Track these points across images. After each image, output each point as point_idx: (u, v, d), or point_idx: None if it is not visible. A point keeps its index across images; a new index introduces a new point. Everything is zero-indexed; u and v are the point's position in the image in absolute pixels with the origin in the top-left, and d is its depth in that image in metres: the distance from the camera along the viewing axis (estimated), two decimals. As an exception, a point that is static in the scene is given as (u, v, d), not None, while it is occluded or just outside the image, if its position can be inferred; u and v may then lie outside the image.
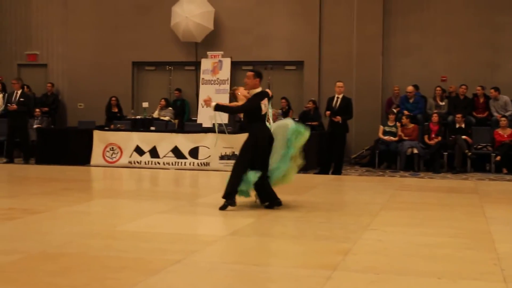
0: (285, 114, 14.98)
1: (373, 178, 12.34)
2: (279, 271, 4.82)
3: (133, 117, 15.58)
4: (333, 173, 12.41)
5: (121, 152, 13.58)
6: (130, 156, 13.49)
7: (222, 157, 12.86)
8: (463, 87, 14.56)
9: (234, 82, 16.36)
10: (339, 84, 12.56)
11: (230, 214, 7.35)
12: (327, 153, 12.60)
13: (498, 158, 13.22)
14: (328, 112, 12.42)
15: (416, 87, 14.95)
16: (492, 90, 14.26)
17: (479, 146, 13.67)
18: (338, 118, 12.23)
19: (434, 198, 9.25)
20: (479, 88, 14.44)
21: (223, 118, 8.21)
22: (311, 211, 7.65)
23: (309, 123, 14.70)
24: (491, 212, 7.78)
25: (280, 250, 5.62)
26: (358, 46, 15.61)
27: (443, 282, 4.51)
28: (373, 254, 5.40)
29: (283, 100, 15.33)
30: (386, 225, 6.80)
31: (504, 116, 13.70)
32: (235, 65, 16.44)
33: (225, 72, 16.08)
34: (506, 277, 4.62)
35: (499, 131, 13.56)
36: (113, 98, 16.08)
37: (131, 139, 13.61)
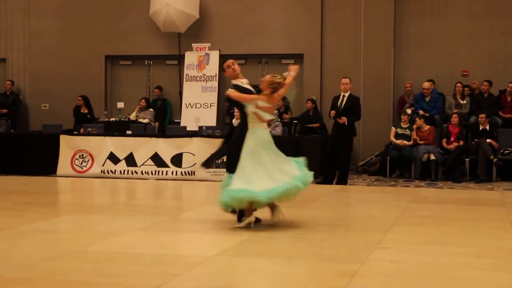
0: (282, 115, 15.01)
1: (383, 188, 12.35)
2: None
3: (106, 120, 15.56)
4: (337, 183, 12.42)
5: (92, 160, 13.56)
6: (103, 165, 13.46)
7: (209, 165, 12.84)
8: (487, 83, 14.60)
9: (223, 78, 16.38)
10: (345, 80, 12.57)
11: (218, 231, 7.34)
12: (331, 159, 12.60)
13: (528, 164, 13.25)
14: (332, 112, 12.43)
15: (433, 83, 14.99)
16: (521, 86, 14.32)
17: (506, 151, 13.70)
18: (344, 120, 12.25)
19: (455, 211, 9.25)
20: (511, 84, 14.45)
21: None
22: (312, 227, 7.64)
23: (309, 125, 14.77)
24: (520, 227, 7.80)
25: (276, 272, 5.60)
26: (366, 36, 15.64)
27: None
28: (384, 276, 5.39)
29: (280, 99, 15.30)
30: (399, 243, 6.80)
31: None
32: (224, 59, 16.39)
33: (213, 67, 16.10)
34: (537, 303, 4.63)
35: (529, 133, 13.61)
36: (79, 98, 16.03)
37: (104, 145, 13.59)
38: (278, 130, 13.81)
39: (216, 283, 5.34)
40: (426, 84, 14.74)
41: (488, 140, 13.54)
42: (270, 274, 5.57)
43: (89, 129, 14.37)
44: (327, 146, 13.02)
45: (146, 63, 17.35)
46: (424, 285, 5.14)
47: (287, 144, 13.00)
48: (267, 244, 6.75)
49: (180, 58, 16.59)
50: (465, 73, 15.48)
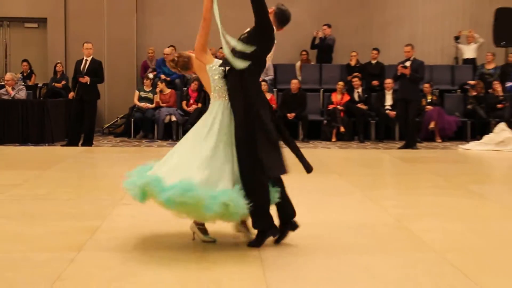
0: (26, 79, 14.44)
1: (128, 149, 12.35)
2: (15, 256, 4.63)
3: None
4: (83, 145, 12.21)
5: None
6: None
7: None
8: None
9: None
10: (87, 45, 12.39)
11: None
12: (76, 122, 12.34)
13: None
14: (79, 77, 12.19)
15: (174, 48, 15.18)
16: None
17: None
18: (86, 79, 12.07)
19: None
20: None
21: None
22: (57, 187, 7.46)
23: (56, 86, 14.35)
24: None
25: (18, 233, 5.38)
26: (109, 2, 15.43)
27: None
28: (124, 230, 5.43)
29: (25, 63, 14.84)
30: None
31: (264, 80, 14.40)
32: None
33: None
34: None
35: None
36: None
37: None
38: (22, 94, 13.22)
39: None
40: (167, 50, 14.87)
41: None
42: (12, 235, 5.32)
43: None
44: (72, 109, 12.72)
45: None
46: (159, 237, 5.27)
47: (32, 108, 12.64)
48: (8, 205, 6.46)
49: None
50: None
